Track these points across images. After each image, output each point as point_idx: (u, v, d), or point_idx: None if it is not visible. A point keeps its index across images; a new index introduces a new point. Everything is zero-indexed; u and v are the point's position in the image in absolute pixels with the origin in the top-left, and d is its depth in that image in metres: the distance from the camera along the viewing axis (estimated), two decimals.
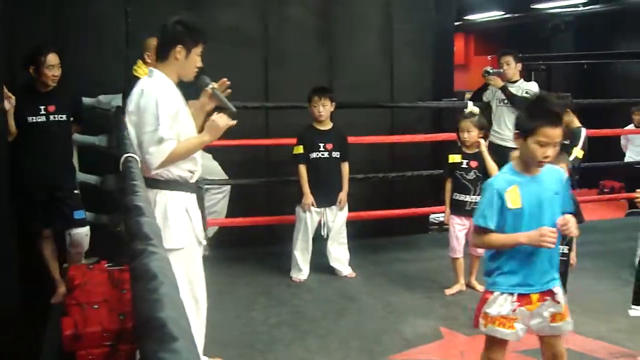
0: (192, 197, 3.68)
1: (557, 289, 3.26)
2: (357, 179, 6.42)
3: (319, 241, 5.97)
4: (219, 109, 3.75)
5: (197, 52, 3.57)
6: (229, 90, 3.81)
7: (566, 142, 4.81)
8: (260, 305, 5.36)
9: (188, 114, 3.63)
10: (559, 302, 3.25)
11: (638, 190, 4.02)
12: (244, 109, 6.51)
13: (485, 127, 5.64)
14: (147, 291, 1.16)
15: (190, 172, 3.65)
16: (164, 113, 3.41)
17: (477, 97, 7.07)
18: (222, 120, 3.53)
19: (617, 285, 5.83)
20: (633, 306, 4.37)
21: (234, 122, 3.57)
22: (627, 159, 9.92)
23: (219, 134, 3.56)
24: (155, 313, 1.05)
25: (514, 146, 6.56)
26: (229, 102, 3.74)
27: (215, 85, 3.75)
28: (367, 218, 6.74)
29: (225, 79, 3.75)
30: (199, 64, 3.64)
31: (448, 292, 5.53)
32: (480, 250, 5.06)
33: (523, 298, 3.23)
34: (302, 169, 5.83)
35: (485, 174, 5.29)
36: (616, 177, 10.93)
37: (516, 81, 6.81)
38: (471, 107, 5.69)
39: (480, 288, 5.08)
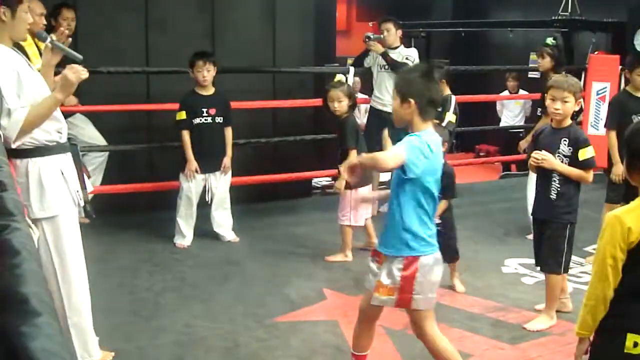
0: (66, 158, 3.51)
1: (383, 256, 3.33)
2: (240, 144, 6.41)
3: (203, 207, 5.96)
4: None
5: (23, 9, 3.33)
6: (69, 39, 3.71)
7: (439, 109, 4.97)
8: (144, 272, 5.31)
9: (36, 75, 3.42)
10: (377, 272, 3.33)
11: (538, 152, 4.23)
12: (125, 74, 6.39)
13: (354, 96, 5.72)
14: (9, 266, 1.14)
15: (58, 132, 3.48)
16: (4, 82, 3.22)
17: (358, 63, 7.17)
18: (73, 73, 3.31)
19: (493, 243, 6.13)
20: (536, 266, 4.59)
21: (86, 74, 3.36)
22: (502, 124, 10.34)
23: (72, 88, 3.36)
24: (17, 288, 1.04)
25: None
26: (73, 51, 3.53)
27: (53, 37, 3.61)
28: (250, 183, 6.76)
29: (62, 28, 3.59)
30: (30, 20, 3.46)
31: (330, 259, 5.62)
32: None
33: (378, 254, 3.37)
34: (185, 134, 5.77)
35: None
36: (491, 142, 11.37)
37: (397, 47, 6.93)
38: (339, 76, 5.76)
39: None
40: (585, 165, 4.22)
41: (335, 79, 5.72)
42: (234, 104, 6.11)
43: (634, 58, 6.05)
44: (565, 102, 4.20)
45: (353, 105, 5.61)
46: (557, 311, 4.53)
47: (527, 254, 5.07)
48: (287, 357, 3.99)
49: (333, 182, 7.78)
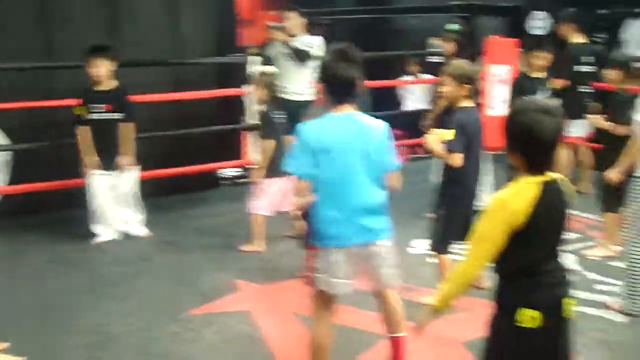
0: None
1: None
2: (144, 137, 6.29)
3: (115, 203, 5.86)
4: None
5: None
6: None
7: None
8: (55, 272, 5.20)
9: None
10: None
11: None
12: (26, 70, 6.20)
13: (274, 86, 5.79)
14: None
15: None
16: None
17: (262, 52, 7.16)
18: None
19: (399, 225, 6.22)
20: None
21: None
22: (407, 108, 10.51)
23: None
24: None
25: (300, 99, 6.79)
26: None
27: None
28: (157, 177, 6.67)
29: None
30: None
31: (243, 248, 5.63)
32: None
33: None
34: (81, 131, 5.70)
35: None
36: (397, 126, 11.55)
37: (300, 35, 6.95)
38: (265, 68, 5.81)
39: None
40: (447, 147, 4.35)
41: (259, 69, 5.77)
42: (135, 98, 6.01)
43: (531, 40, 6.27)
44: (447, 85, 4.42)
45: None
46: (474, 286, 4.68)
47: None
48: (200, 350, 4.00)
49: (242, 171, 7.81)
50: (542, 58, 5.82)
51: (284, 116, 5.71)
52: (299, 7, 7.08)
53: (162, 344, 4.06)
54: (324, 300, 3.41)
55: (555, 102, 2.58)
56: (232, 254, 5.54)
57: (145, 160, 6.12)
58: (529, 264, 2.55)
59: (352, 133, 3.26)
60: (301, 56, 6.77)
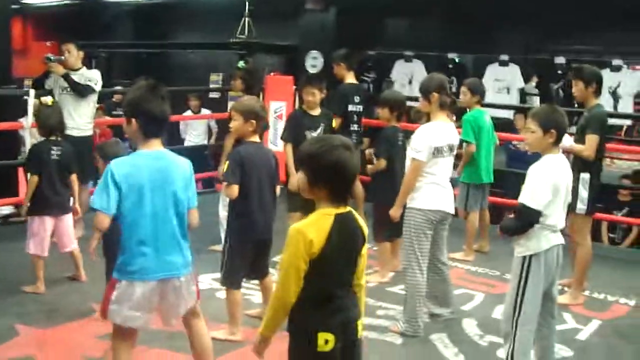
0: None
1: None
2: None
3: None
4: None
5: None
6: None
7: None
8: None
9: None
10: None
11: None
12: None
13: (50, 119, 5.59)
14: None
15: None
16: None
17: (39, 84, 6.87)
18: None
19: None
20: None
21: None
22: (187, 143, 10.56)
23: None
24: None
25: (79, 135, 6.59)
26: None
27: None
28: None
29: None
30: None
31: (25, 289, 5.32)
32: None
33: None
34: None
35: None
36: None
37: (79, 69, 6.78)
38: (43, 99, 5.59)
39: None
40: (222, 178, 4.58)
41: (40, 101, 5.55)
42: None
43: (304, 78, 6.56)
44: (235, 120, 4.56)
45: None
46: (260, 318, 4.79)
47: (218, 269, 5.23)
48: None
49: (15, 210, 7.38)
50: (312, 94, 6.12)
51: (59, 151, 5.46)
52: (76, 39, 6.90)
53: None
54: (123, 332, 3.39)
55: (350, 140, 2.79)
56: (9, 298, 5.21)
57: None
58: (324, 291, 2.71)
59: (162, 171, 3.32)
60: (81, 90, 6.60)
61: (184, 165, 3.43)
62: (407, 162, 4.91)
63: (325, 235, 2.65)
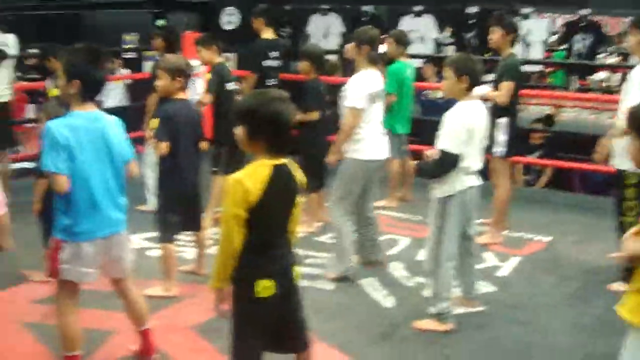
0: None
1: None
2: None
3: None
4: None
5: None
6: None
7: None
8: None
9: None
10: None
11: None
12: None
13: None
14: None
15: None
16: None
17: None
18: None
19: None
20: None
21: None
22: (106, 105, 10.39)
23: None
24: None
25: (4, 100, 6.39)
26: None
27: None
28: None
29: None
30: None
31: None
32: None
33: None
34: None
35: None
36: None
37: None
38: None
39: None
40: (153, 136, 4.61)
41: None
42: None
43: (208, 35, 6.49)
44: (161, 79, 4.59)
45: None
46: (194, 273, 4.95)
47: (147, 228, 5.25)
48: None
49: None
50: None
51: None
52: None
53: None
54: (70, 291, 3.47)
55: (285, 93, 2.87)
56: None
57: None
58: (263, 240, 2.82)
59: (98, 130, 3.37)
60: None
61: (116, 123, 3.50)
62: (343, 112, 5.01)
63: (262, 185, 2.74)
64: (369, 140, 4.93)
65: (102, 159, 3.37)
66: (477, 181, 4.26)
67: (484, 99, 5.51)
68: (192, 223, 4.84)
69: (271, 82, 7.24)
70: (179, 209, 4.66)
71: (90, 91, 3.38)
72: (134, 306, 3.70)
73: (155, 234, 4.86)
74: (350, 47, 5.10)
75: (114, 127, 3.47)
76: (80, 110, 3.36)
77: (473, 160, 4.17)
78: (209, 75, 6.10)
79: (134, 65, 10.28)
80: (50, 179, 3.32)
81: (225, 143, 5.85)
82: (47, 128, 3.29)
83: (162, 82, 4.58)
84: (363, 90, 4.86)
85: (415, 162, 4.80)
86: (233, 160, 5.79)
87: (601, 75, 12.76)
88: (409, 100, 7.01)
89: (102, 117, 3.43)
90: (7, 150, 6.72)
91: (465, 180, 4.17)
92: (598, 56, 10.77)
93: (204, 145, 4.89)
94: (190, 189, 4.71)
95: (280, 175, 2.80)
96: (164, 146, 4.50)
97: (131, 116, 8.67)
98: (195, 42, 6.25)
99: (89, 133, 3.33)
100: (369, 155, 4.92)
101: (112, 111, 3.70)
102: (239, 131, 2.82)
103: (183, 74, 4.58)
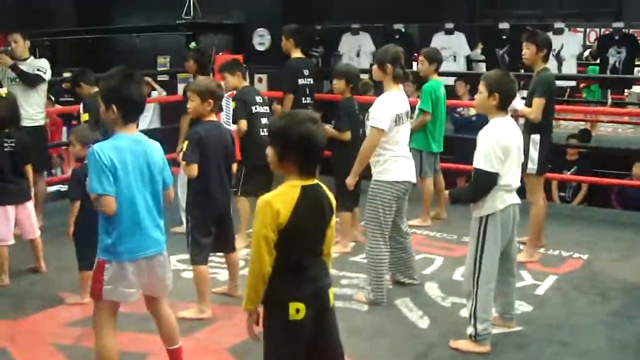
0: None
1: None
2: None
3: None
4: None
5: None
6: None
7: None
8: None
9: None
10: None
11: None
12: None
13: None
14: None
15: None
16: None
17: None
18: None
19: None
20: None
21: None
22: (139, 128, 10.49)
23: None
24: None
25: (31, 125, 6.51)
26: None
27: None
28: None
29: None
30: None
31: None
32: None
33: None
34: None
35: None
36: None
37: (26, 59, 6.72)
38: None
39: None
40: (182, 158, 4.61)
41: None
42: None
43: (232, 62, 6.48)
44: (192, 100, 4.60)
45: None
46: (228, 295, 4.95)
47: (182, 250, 5.25)
48: None
49: None
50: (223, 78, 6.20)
51: (12, 143, 5.40)
52: (23, 29, 6.83)
53: None
54: (109, 312, 3.48)
55: (317, 114, 2.87)
56: None
57: None
58: (294, 262, 2.80)
59: (142, 153, 3.43)
60: (31, 80, 6.54)
61: (158, 147, 3.55)
62: (367, 132, 5.00)
63: (292, 206, 2.73)
64: (395, 161, 4.90)
65: (144, 180, 3.42)
66: (517, 199, 4.20)
67: (517, 116, 5.47)
68: (225, 244, 4.85)
69: (306, 100, 7.28)
70: (211, 231, 4.67)
71: (130, 113, 3.42)
72: (166, 325, 3.71)
73: (188, 255, 4.86)
74: (374, 69, 5.08)
75: (156, 150, 3.52)
76: (123, 133, 3.41)
77: (512, 177, 4.12)
78: (234, 104, 6.13)
79: (169, 87, 10.37)
80: (97, 201, 3.34)
81: (244, 164, 5.89)
82: (91, 151, 3.35)
83: (193, 104, 4.61)
84: (387, 112, 4.83)
85: (447, 191, 4.73)
86: (252, 181, 5.83)
87: (638, 89, 12.62)
88: (442, 120, 6.98)
89: (144, 140, 3.49)
90: (43, 174, 6.80)
91: (507, 199, 4.11)
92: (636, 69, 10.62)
93: (234, 167, 4.90)
94: (222, 210, 4.72)
95: (310, 196, 2.79)
96: (194, 168, 4.52)
97: (165, 138, 8.80)
98: (219, 70, 6.29)
99: (132, 154, 3.38)
100: (395, 177, 4.88)
101: (145, 133, 3.73)
102: (270, 152, 2.82)
103: (214, 95, 4.59)
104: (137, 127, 3.52)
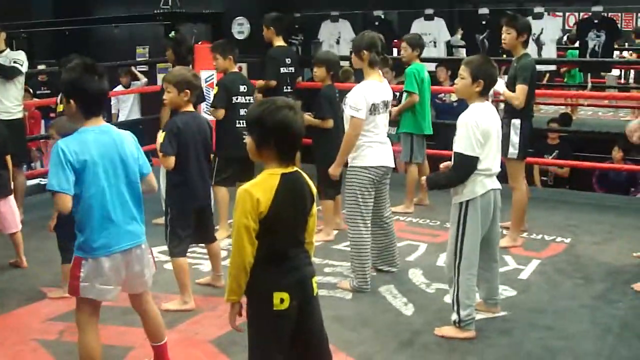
0: None
1: None
2: None
3: None
4: None
5: None
6: None
7: None
8: None
9: None
10: None
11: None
12: None
13: None
14: None
15: None
16: None
17: None
18: None
19: None
20: None
21: None
22: (121, 118, 10.43)
23: None
24: None
25: (8, 118, 6.44)
26: None
27: None
28: None
29: None
30: None
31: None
32: None
33: None
34: None
35: None
36: None
37: (2, 51, 6.64)
38: None
39: None
40: (159, 149, 4.52)
41: None
42: None
43: (225, 43, 6.42)
44: (169, 92, 4.54)
45: None
46: (211, 285, 4.93)
47: (164, 241, 5.21)
48: None
49: None
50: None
51: None
52: None
53: None
54: (90, 309, 3.41)
55: (297, 102, 2.84)
56: None
57: None
58: (276, 250, 2.78)
59: (109, 144, 3.34)
60: (7, 72, 6.45)
61: (128, 136, 3.47)
62: (344, 117, 4.98)
63: (271, 194, 2.71)
64: (370, 147, 4.88)
65: (116, 173, 3.33)
66: (498, 184, 4.19)
67: (498, 101, 5.46)
68: (205, 235, 4.81)
69: (287, 89, 7.25)
70: (190, 223, 4.63)
71: (92, 106, 3.34)
72: (151, 321, 3.66)
73: None
74: (352, 58, 5.05)
75: (127, 140, 3.43)
76: (88, 126, 3.33)
77: (492, 161, 4.11)
78: (216, 89, 6.07)
79: (149, 77, 10.31)
80: (54, 199, 3.27)
81: (218, 155, 5.83)
82: (55, 147, 3.26)
83: (170, 95, 4.54)
84: (364, 100, 4.81)
85: (424, 177, 4.72)
86: (227, 172, 5.79)
87: (617, 72, 12.66)
88: (428, 103, 7.00)
89: (112, 130, 3.40)
90: (22, 167, 6.73)
91: (487, 183, 4.10)
92: (615, 53, 10.65)
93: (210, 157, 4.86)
94: (202, 202, 4.68)
95: (290, 184, 2.77)
96: (170, 160, 4.48)
97: (146, 129, 8.74)
98: (211, 49, 6.22)
99: (100, 147, 3.29)
100: (369, 162, 4.87)
101: (126, 124, 3.67)
102: (248, 140, 2.79)
103: (190, 86, 4.52)
104: (103, 119, 3.42)
